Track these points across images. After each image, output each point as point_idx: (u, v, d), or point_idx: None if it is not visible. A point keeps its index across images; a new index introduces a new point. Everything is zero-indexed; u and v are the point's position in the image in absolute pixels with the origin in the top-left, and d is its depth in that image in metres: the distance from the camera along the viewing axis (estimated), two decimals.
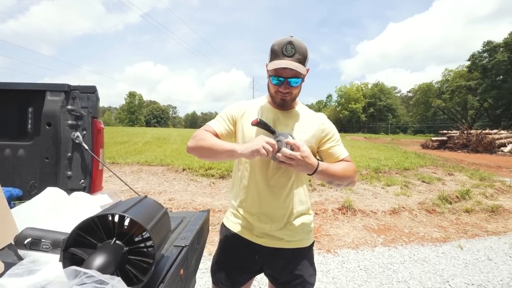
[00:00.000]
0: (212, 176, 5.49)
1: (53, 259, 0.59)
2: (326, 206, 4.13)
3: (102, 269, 0.44)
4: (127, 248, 0.53)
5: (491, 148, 15.43)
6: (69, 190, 1.22)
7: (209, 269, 2.42)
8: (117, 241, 0.52)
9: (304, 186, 1.09)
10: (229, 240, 1.10)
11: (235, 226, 1.09)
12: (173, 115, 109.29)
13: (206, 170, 5.69)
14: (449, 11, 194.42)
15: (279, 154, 0.86)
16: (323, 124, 1.08)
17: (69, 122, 1.22)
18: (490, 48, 30.96)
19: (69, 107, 1.22)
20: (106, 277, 0.37)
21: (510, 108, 30.86)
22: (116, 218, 0.54)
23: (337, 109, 58.94)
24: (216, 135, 1.02)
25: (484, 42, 31.78)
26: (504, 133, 17.49)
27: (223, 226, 1.16)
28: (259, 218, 1.04)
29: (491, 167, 9.57)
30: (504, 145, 15.72)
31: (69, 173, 1.23)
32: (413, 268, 2.55)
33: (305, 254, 1.09)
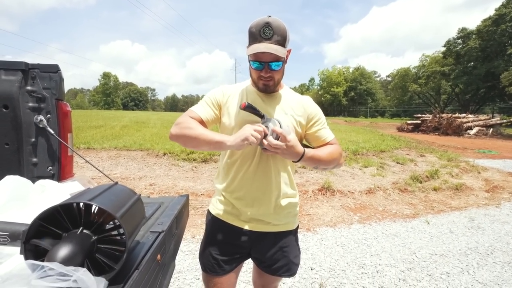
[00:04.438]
0: (194, 160, 5.43)
1: (15, 252, 0.55)
2: (306, 187, 4.27)
3: (67, 260, 0.41)
4: (96, 237, 0.50)
5: (459, 131, 16.53)
6: (36, 178, 1.14)
7: (192, 251, 2.44)
8: (84, 231, 0.49)
9: (290, 171, 1.10)
10: (215, 226, 1.10)
11: (221, 213, 1.09)
12: (152, 98, 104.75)
13: (188, 155, 5.61)
14: None
15: (264, 141, 0.86)
16: (309, 107, 1.07)
17: (30, 104, 1.11)
18: (464, 35, 32.11)
19: (28, 87, 1.10)
20: (69, 269, 0.35)
21: (478, 94, 32.83)
22: (83, 207, 0.51)
23: (320, 92, 59.48)
24: (202, 122, 0.98)
25: (459, 29, 32.89)
26: (471, 117, 18.72)
27: (208, 213, 1.15)
28: (246, 202, 1.04)
29: (458, 149, 10.30)
30: (471, 128, 16.89)
31: (35, 159, 1.14)
32: (385, 243, 2.75)
33: (291, 236, 1.12)
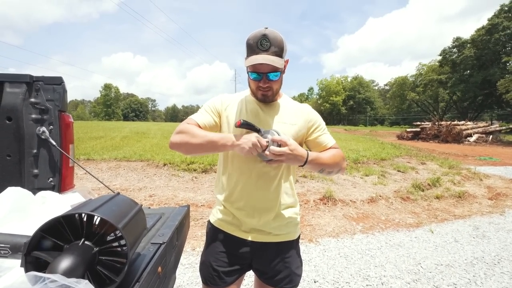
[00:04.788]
0: (195, 170, 5.40)
1: (16, 264, 0.55)
2: (308, 197, 4.23)
3: (69, 272, 0.41)
4: (97, 249, 0.50)
5: (459, 138, 16.56)
6: (37, 189, 1.13)
7: (192, 264, 2.40)
8: (86, 242, 0.49)
9: (290, 178, 1.09)
10: (216, 238, 1.08)
11: (221, 223, 1.07)
12: (153, 109, 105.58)
13: (188, 165, 5.59)
14: (424, 9, 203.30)
15: (267, 152, 0.86)
16: (309, 114, 1.08)
17: (33, 116, 1.12)
18: (459, 44, 32.79)
19: (32, 100, 1.11)
20: (71, 281, 0.34)
21: (475, 101, 33.12)
22: (85, 218, 0.50)
23: (319, 101, 60.03)
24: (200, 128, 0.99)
25: (454, 38, 33.60)
26: (470, 124, 18.81)
27: (209, 223, 1.13)
28: (247, 213, 1.02)
29: (459, 156, 10.28)
30: (470, 135, 16.93)
31: (36, 171, 1.14)
32: (389, 253, 2.70)
33: (293, 246, 1.10)
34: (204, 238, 1.16)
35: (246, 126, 0.89)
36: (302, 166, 0.92)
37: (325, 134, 1.08)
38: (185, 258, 2.45)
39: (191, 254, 2.56)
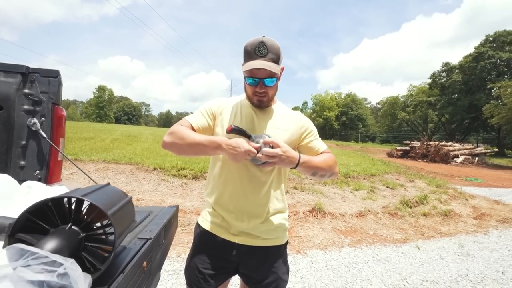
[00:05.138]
0: (185, 176, 5.34)
1: None
2: (297, 208, 4.22)
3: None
4: (84, 234, 0.49)
5: (446, 158, 17.00)
6: (22, 181, 1.10)
7: (176, 271, 2.33)
8: (73, 227, 0.48)
9: (282, 185, 1.10)
10: (204, 239, 1.07)
11: (210, 225, 1.06)
12: (146, 113, 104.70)
13: (179, 170, 5.52)
14: (416, 33, 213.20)
15: (259, 155, 0.86)
16: (301, 120, 1.11)
17: (25, 107, 1.10)
18: (448, 68, 34.38)
19: (26, 90, 1.10)
20: (58, 257, 0.33)
21: (463, 124, 34.35)
22: (74, 203, 0.50)
23: (312, 116, 60.99)
24: (193, 130, 1.00)
25: (443, 63, 35.25)
26: (457, 145, 19.40)
27: (197, 226, 1.12)
28: (236, 216, 1.02)
29: (446, 176, 10.53)
30: (457, 156, 17.42)
31: (22, 162, 1.11)
32: (376, 267, 2.69)
33: (280, 252, 1.09)
34: (190, 244, 1.14)
35: (238, 131, 0.90)
36: (294, 167, 0.93)
37: (317, 140, 1.10)
38: (170, 265, 2.38)
39: (175, 260, 2.49)
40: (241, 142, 0.87)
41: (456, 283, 2.50)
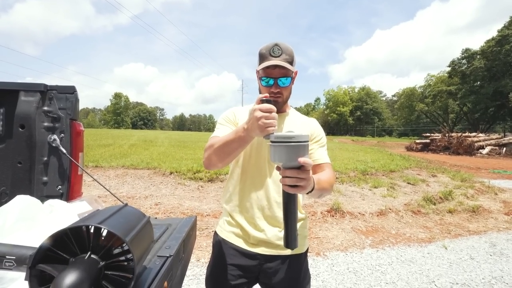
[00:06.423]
0: (201, 179, 5.40)
1: (20, 276, 0.53)
2: (315, 208, 4.14)
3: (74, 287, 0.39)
4: (103, 263, 0.48)
5: (470, 150, 16.14)
6: (45, 197, 1.13)
7: (197, 276, 2.35)
8: (92, 255, 0.47)
9: (299, 195, 1.07)
10: (223, 250, 1.06)
11: (229, 235, 1.05)
12: (161, 117, 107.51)
13: (194, 174, 5.59)
14: (432, 21, 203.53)
15: (301, 159, 0.66)
16: (313, 126, 1.10)
17: (45, 124, 1.14)
18: (468, 55, 32.50)
19: (45, 108, 1.14)
20: None
21: (487, 112, 32.43)
22: (92, 230, 0.49)
23: (325, 112, 59.96)
24: None
25: (463, 49, 33.36)
26: (482, 136, 18.35)
27: (216, 235, 1.11)
28: (255, 225, 1.01)
29: (471, 169, 9.98)
30: (482, 147, 16.48)
31: (45, 178, 1.15)
32: (401, 269, 2.58)
33: (301, 260, 1.07)
34: (209, 248, 1.14)
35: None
36: (309, 192, 0.78)
37: (322, 149, 1.07)
38: (190, 270, 2.41)
39: (195, 265, 2.51)
40: (252, 112, 0.79)
41: (490, 286, 2.35)
